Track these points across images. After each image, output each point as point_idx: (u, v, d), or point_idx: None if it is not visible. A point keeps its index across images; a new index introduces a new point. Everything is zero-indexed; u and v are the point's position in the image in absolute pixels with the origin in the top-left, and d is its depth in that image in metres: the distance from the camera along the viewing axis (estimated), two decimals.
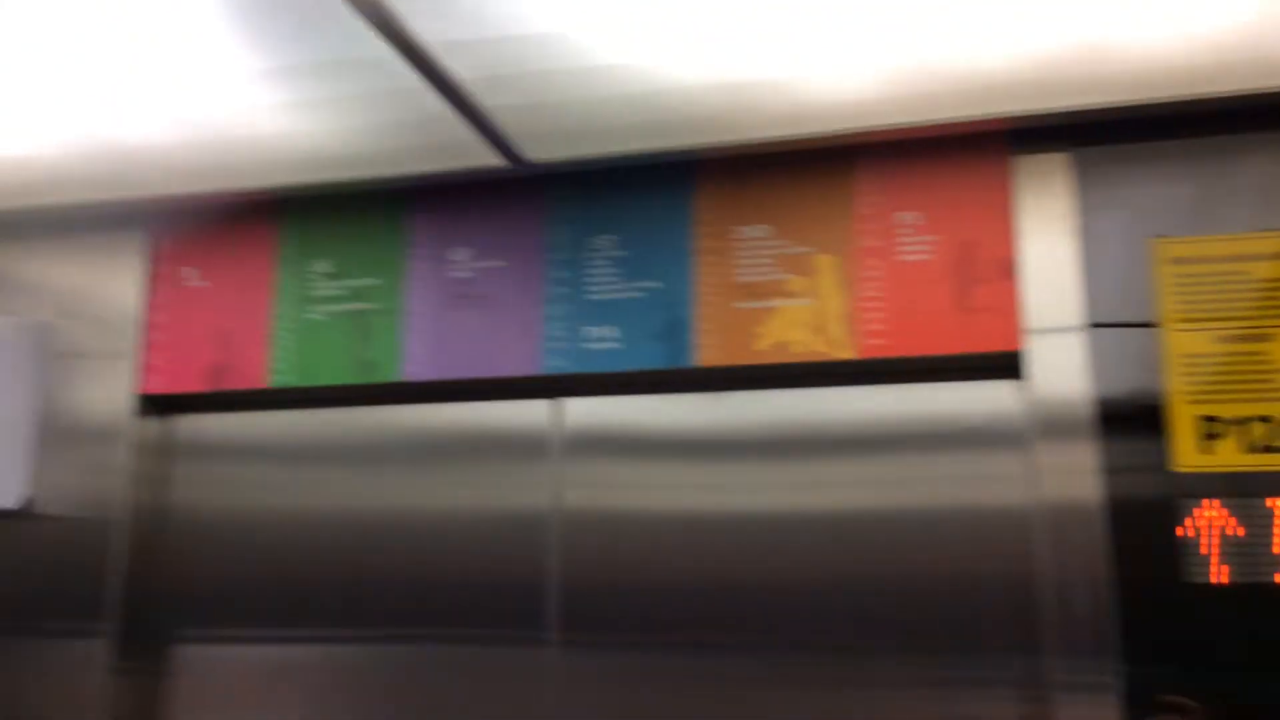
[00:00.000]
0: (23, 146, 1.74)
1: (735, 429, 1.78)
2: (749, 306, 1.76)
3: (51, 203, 1.95)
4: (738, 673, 1.69)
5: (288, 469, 1.96)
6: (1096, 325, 1.60)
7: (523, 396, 1.87)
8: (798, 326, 1.73)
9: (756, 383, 1.78)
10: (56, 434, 1.96)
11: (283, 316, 1.95)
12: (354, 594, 1.88)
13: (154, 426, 2.00)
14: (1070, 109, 1.58)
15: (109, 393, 1.97)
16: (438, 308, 1.88)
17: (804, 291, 1.74)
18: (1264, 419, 1.53)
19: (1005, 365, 1.65)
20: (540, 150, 1.74)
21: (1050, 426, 1.59)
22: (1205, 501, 1.51)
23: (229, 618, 1.93)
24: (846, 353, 1.70)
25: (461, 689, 1.80)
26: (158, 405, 2.00)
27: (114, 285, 2.00)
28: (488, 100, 1.58)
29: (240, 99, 1.59)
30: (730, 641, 1.70)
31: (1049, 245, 1.64)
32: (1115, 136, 1.64)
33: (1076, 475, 1.56)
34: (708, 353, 1.76)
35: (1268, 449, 1.52)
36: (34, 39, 1.46)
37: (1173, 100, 1.55)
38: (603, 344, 1.80)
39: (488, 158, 1.75)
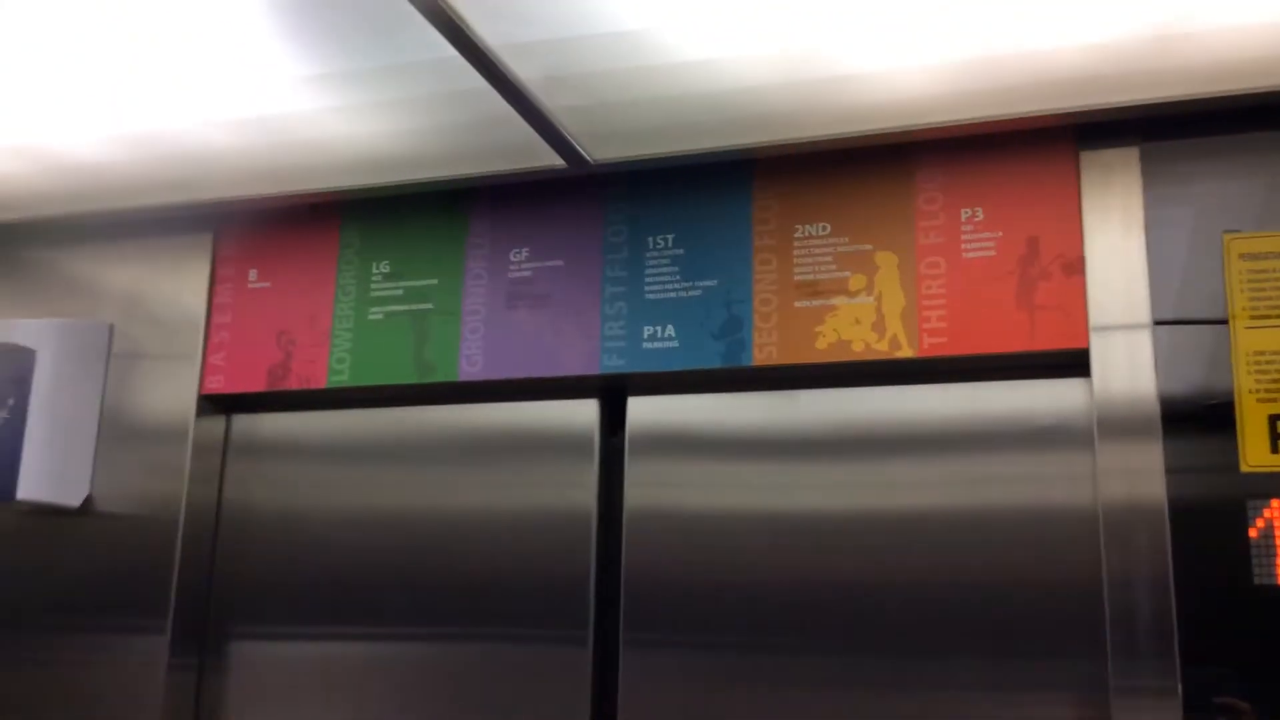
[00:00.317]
0: (90, 152, 1.77)
1: (797, 428, 1.78)
2: (808, 305, 1.76)
3: (118, 206, 1.98)
4: (800, 673, 1.69)
5: (344, 469, 1.98)
6: (1163, 322, 1.58)
7: (580, 396, 1.88)
8: (857, 325, 1.72)
9: (815, 382, 1.78)
10: (119, 434, 1.99)
11: (342, 317, 1.97)
12: (410, 593, 1.89)
13: (216, 426, 2.02)
14: (1139, 103, 1.56)
15: (172, 393, 1.99)
16: (495, 308, 1.89)
17: (864, 289, 1.73)
18: None
19: (1070, 363, 1.63)
20: (600, 150, 1.75)
21: (1115, 425, 1.57)
22: (1275, 502, 1.49)
23: (287, 615, 1.95)
24: (907, 351, 1.69)
25: (522, 689, 1.81)
26: (220, 405, 2.03)
27: (178, 287, 2.03)
28: (549, 101, 1.59)
29: (303, 102, 1.61)
30: (794, 642, 1.70)
31: (1115, 241, 1.62)
32: (1185, 131, 1.61)
33: (1142, 475, 1.54)
34: (766, 351, 1.75)
35: None
36: (100, 44, 1.48)
37: (1245, 93, 1.52)
38: (660, 343, 1.80)
39: (548, 158, 1.76)
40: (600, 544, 1.83)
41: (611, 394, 1.89)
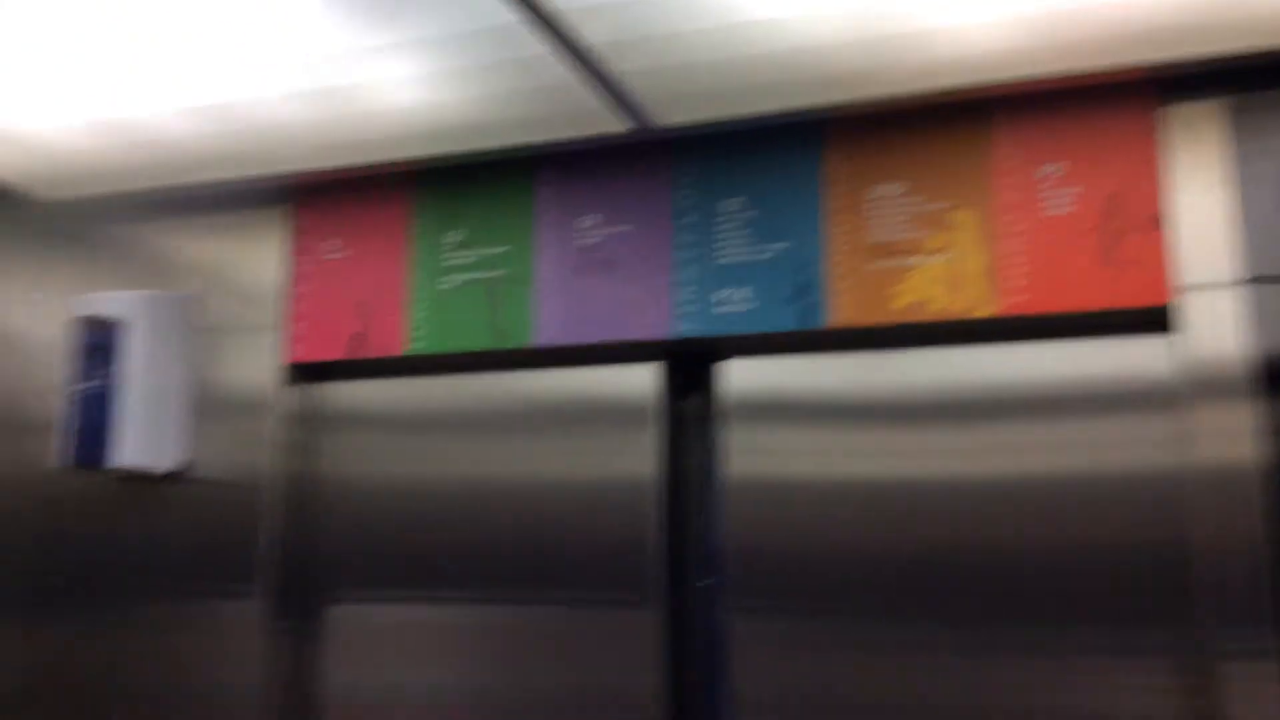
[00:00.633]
0: (167, 126, 1.80)
1: (878, 392, 1.76)
2: (883, 266, 1.73)
3: (196, 180, 2.02)
4: (901, 638, 1.68)
5: (421, 438, 2.01)
6: (1254, 279, 1.53)
7: (650, 360, 1.88)
8: (935, 284, 1.69)
9: (892, 342, 1.75)
10: (206, 404, 2.05)
11: (417, 285, 1.99)
12: (484, 558, 1.92)
13: (299, 395, 2.07)
14: (1223, 54, 1.50)
15: (256, 363, 2.04)
16: (566, 274, 1.90)
17: (941, 248, 1.70)
18: None
19: (1154, 320, 1.59)
20: (668, 114, 1.73)
21: (1204, 385, 1.52)
22: None
23: (372, 579, 1.99)
24: (987, 310, 1.66)
25: (594, 649, 1.83)
26: (302, 374, 2.07)
27: (259, 259, 2.07)
28: (617, 65, 1.58)
29: (374, 73, 1.62)
30: (894, 607, 1.69)
31: (1201, 196, 1.57)
32: (1272, 82, 1.55)
33: (1233, 436, 1.50)
34: (841, 313, 1.73)
35: None
36: (176, 19, 1.50)
37: None
38: (733, 306, 1.79)
39: (616, 123, 1.75)
40: (670, 508, 1.84)
41: (683, 359, 1.88)
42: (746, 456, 1.81)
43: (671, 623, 1.82)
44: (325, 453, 2.06)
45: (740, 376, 1.84)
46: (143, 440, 1.97)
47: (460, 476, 1.97)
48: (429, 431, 2.01)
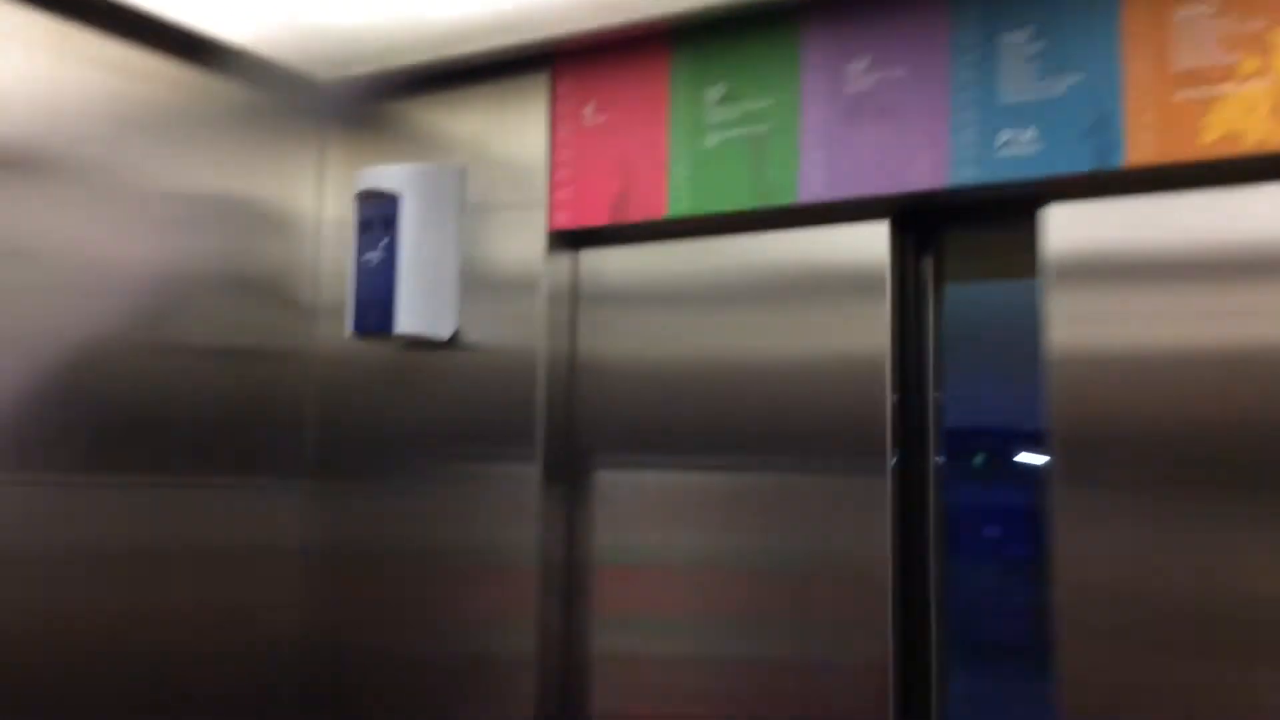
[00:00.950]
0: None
1: (1219, 242, 1.60)
2: (1190, 96, 1.57)
3: (458, 53, 2.05)
4: (1238, 512, 1.56)
5: (684, 312, 2.01)
6: None
7: (926, 211, 1.80)
8: (1253, 114, 1.53)
9: (1200, 182, 1.60)
10: (476, 274, 2.11)
11: (678, 145, 1.96)
12: (734, 428, 1.93)
13: (564, 264, 2.10)
14: None
15: (521, 231, 2.08)
16: (834, 124, 1.82)
17: (1259, 72, 1.53)
18: None
19: None
20: None
21: None
22: None
23: (636, 446, 2.04)
24: None
25: (833, 513, 1.81)
26: (567, 241, 2.09)
27: (521, 128, 2.09)
28: None
29: None
30: (1233, 480, 1.57)
31: None
32: None
33: None
34: (1141, 150, 1.59)
35: None
36: None
37: None
38: (1018, 149, 1.68)
39: None
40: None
41: (968, 208, 1.79)
42: (1073, 324, 1.67)
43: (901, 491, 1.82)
44: (591, 326, 2.09)
45: (1060, 228, 1.69)
46: (422, 308, 2.05)
47: (714, 350, 1.97)
48: (685, 303, 2.01)
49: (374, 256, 2.05)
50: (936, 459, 1.85)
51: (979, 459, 2.64)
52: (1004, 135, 1.69)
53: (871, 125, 1.79)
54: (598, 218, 2.02)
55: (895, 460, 1.81)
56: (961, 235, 1.89)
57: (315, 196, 2.27)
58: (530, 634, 2.00)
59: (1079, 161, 1.63)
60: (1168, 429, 1.61)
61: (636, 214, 1.99)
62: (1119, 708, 1.61)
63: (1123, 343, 1.65)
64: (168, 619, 2.00)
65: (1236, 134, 1.54)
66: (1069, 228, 1.69)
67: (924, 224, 1.88)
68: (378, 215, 2.05)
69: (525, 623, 2.01)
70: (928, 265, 1.89)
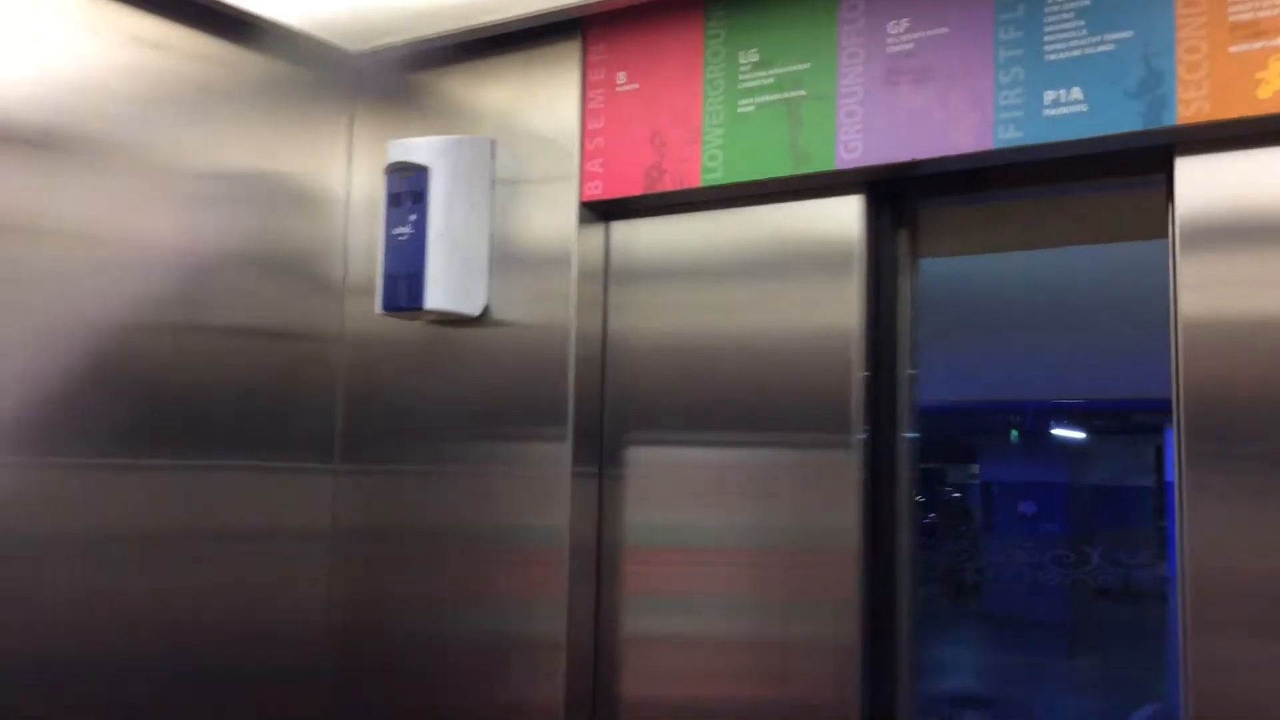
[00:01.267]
0: None
1: None
2: (1246, 49, 1.51)
3: (487, 21, 2.01)
4: None
5: (711, 287, 1.98)
6: None
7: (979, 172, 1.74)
8: None
9: (1258, 140, 1.54)
10: (507, 247, 2.07)
11: (712, 112, 1.91)
12: (759, 403, 1.90)
13: (596, 237, 2.05)
14: None
15: (553, 202, 2.04)
16: (874, 87, 1.77)
17: None
18: None
19: None
20: None
21: None
22: None
23: (665, 424, 2.00)
24: None
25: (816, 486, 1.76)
26: (599, 212, 2.05)
27: (552, 96, 2.05)
28: None
29: None
30: None
31: None
32: None
33: None
34: (1194, 107, 1.53)
35: None
36: None
37: None
38: (1065, 108, 1.62)
39: None
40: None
41: (1013, 171, 1.73)
42: (1202, 290, 1.56)
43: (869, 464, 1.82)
44: (621, 302, 2.05)
45: (1189, 189, 1.58)
46: (452, 284, 2.02)
47: (736, 326, 1.93)
48: (716, 278, 1.97)
49: (404, 231, 2.01)
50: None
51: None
52: (1050, 94, 1.63)
53: (912, 87, 1.74)
54: (631, 188, 1.98)
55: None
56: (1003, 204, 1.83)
57: (344, 173, 2.24)
58: (561, 615, 1.97)
59: (1130, 120, 1.57)
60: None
61: (670, 183, 1.95)
62: (1254, 695, 1.51)
63: (1263, 309, 1.53)
64: (199, 599, 1.98)
65: None
66: (1203, 185, 1.57)
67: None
68: (407, 189, 2.02)
69: (557, 604, 1.97)
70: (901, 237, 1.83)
